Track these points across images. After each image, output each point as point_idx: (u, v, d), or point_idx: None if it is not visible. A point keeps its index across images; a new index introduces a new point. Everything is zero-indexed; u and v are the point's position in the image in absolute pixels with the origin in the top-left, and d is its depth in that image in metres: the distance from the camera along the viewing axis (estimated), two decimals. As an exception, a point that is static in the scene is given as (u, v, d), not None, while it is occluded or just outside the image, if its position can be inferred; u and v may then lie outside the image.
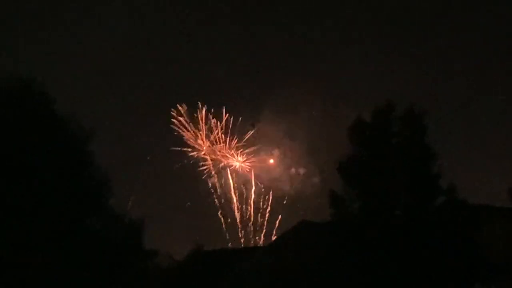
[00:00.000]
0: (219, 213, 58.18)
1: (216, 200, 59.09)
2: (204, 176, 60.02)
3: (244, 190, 59.55)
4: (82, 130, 26.33)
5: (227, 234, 57.45)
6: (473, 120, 63.10)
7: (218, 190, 59.46)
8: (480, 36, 63.01)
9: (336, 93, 60.44)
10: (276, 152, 63.28)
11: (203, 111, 60.39)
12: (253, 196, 59.15)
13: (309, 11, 65.74)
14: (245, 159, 61.07)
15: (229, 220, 58.56)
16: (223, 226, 58.29)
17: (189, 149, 61.04)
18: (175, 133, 60.74)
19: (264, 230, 57.83)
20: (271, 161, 62.28)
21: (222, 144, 61.36)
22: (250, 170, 60.51)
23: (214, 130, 60.51)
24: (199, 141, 61.39)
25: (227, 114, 60.20)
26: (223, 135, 61.05)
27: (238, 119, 60.74)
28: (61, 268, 23.81)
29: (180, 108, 60.62)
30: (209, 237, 56.72)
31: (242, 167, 60.81)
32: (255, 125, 61.00)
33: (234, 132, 61.18)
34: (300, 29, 66.42)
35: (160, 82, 62.75)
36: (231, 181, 60.19)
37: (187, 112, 60.86)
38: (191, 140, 61.43)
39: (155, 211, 57.48)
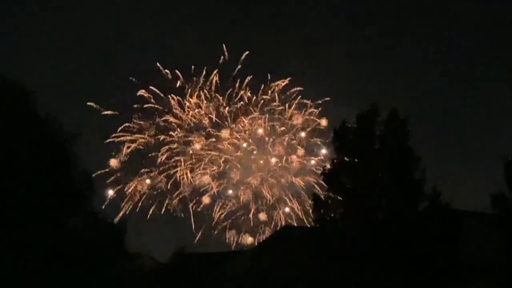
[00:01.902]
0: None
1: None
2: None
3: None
4: (64, 130, 26.15)
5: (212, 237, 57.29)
6: (458, 126, 63.44)
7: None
8: (466, 41, 63.42)
9: (322, 95, 60.53)
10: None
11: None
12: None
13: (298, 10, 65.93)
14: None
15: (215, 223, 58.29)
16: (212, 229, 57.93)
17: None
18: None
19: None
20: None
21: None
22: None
23: None
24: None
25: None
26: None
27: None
28: (41, 268, 23.62)
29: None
30: (192, 239, 56.57)
31: None
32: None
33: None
34: (286, 27, 66.51)
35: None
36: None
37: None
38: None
39: (137, 213, 57.28)
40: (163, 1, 66.08)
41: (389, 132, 30.27)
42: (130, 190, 57.72)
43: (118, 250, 27.84)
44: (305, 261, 31.02)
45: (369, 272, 28.17)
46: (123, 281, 28.74)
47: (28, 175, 24.02)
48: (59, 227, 25.18)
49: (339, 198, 30.61)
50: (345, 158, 30.85)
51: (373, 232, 28.94)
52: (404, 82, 62.87)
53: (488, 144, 58.21)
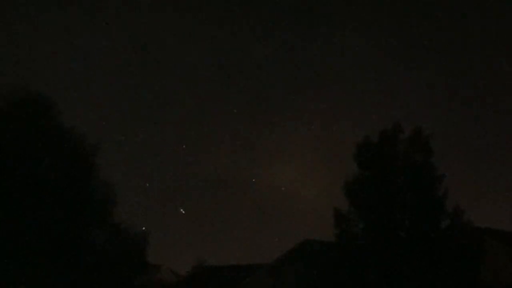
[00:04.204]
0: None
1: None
2: None
3: None
4: (87, 143, 26.29)
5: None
6: (481, 144, 62.94)
7: None
8: (492, 60, 63.06)
9: (344, 113, 60.32)
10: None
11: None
12: None
13: (317, 28, 65.84)
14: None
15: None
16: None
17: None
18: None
19: None
20: None
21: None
22: None
23: None
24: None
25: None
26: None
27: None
28: (63, 281, 23.73)
29: None
30: (212, 252, 56.50)
31: None
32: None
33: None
34: (305, 45, 66.47)
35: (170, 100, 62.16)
36: None
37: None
38: None
39: (159, 225, 57.30)
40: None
41: (412, 149, 30.21)
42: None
43: (139, 262, 27.85)
44: (325, 276, 30.87)
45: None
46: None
47: (50, 186, 24.20)
48: (80, 238, 25.30)
49: (361, 213, 30.47)
50: (368, 174, 30.74)
51: (394, 249, 28.79)
52: (429, 99, 62.57)
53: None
